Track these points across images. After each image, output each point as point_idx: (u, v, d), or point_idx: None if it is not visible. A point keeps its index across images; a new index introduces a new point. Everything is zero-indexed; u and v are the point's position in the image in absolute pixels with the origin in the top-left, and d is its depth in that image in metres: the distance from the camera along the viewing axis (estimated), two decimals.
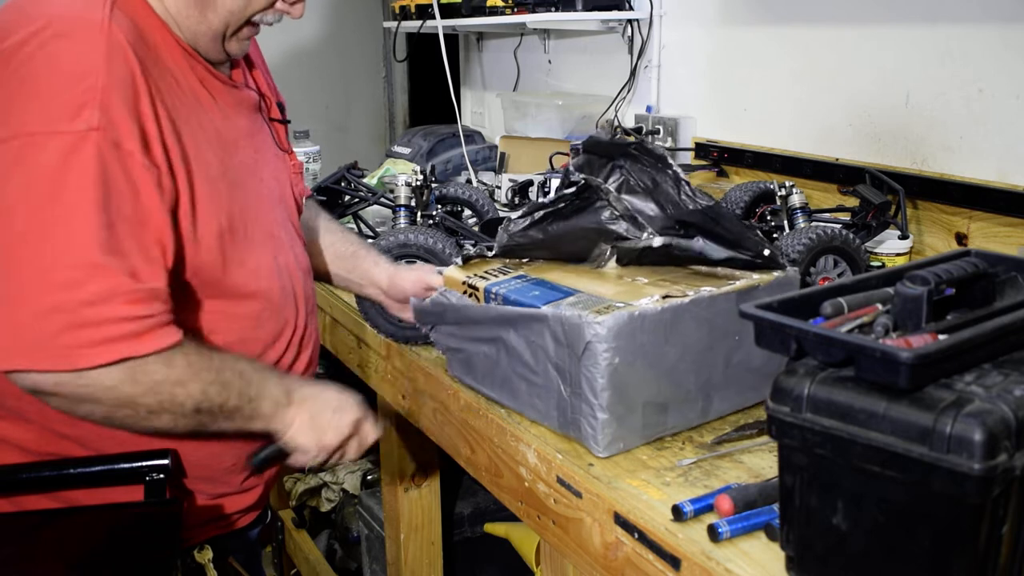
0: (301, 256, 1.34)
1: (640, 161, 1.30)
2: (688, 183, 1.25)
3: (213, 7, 1.11)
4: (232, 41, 1.17)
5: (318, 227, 1.52)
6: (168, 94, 1.09)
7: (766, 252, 1.21)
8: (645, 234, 1.32)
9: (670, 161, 1.25)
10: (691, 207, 1.24)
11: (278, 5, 1.16)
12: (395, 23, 3.00)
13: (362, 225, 1.96)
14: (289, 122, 1.39)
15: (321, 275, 1.51)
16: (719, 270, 1.25)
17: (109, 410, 1.04)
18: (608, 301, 1.13)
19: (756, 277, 1.20)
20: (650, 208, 1.31)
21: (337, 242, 1.51)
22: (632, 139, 1.30)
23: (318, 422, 1.17)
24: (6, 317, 0.97)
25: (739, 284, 1.18)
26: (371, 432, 1.24)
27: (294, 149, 1.43)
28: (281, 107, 1.38)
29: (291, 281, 1.28)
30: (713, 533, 0.92)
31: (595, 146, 1.30)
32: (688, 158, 2.36)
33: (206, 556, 1.23)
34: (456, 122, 2.77)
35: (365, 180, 2.05)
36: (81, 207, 0.97)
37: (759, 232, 1.22)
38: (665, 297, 1.12)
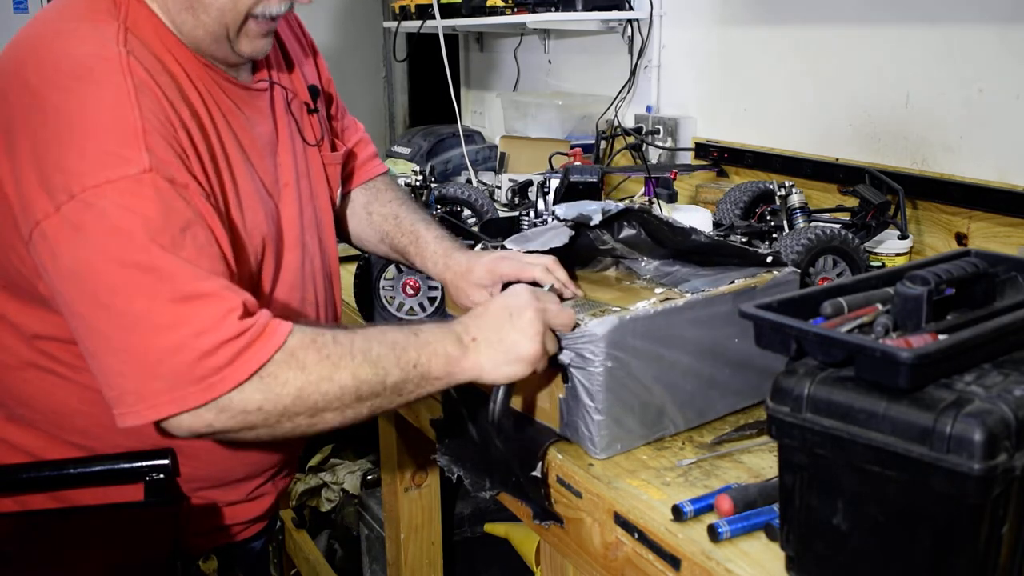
0: (329, 257, 1.32)
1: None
2: (682, 228, 1.25)
3: (203, 7, 1.08)
4: (242, 41, 1.13)
5: (375, 214, 1.45)
6: (197, 117, 1.08)
7: (769, 260, 1.22)
8: (643, 262, 1.32)
9: (655, 214, 1.25)
10: (687, 245, 1.25)
11: None
12: (395, 23, 3.00)
13: None
14: (317, 111, 1.33)
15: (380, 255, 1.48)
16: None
17: (271, 430, 1.00)
18: (604, 305, 1.13)
19: (753, 278, 1.20)
20: (645, 240, 1.31)
21: (392, 231, 1.42)
22: (620, 206, 1.29)
23: (505, 344, 1.05)
24: (133, 371, 0.96)
25: (736, 285, 1.18)
26: (559, 314, 1.09)
27: None
28: (315, 92, 1.32)
29: (314, 290, 1.26)
30: (713, 533, 0.92)
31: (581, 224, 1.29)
32: (688, 158, 2.36)
33: (211, 566, 1.22)
34: (456, 122, 2.77)
35: None
36: (158, 245, 0.96)
37: (757, 252, 1.23)
38: (663, 300, 1.12)
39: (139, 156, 0.97)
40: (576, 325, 1.09)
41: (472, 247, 1.42)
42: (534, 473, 1.09)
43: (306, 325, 1.03)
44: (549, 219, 1.65)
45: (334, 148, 1.38)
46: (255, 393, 0.97)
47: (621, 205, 1.29)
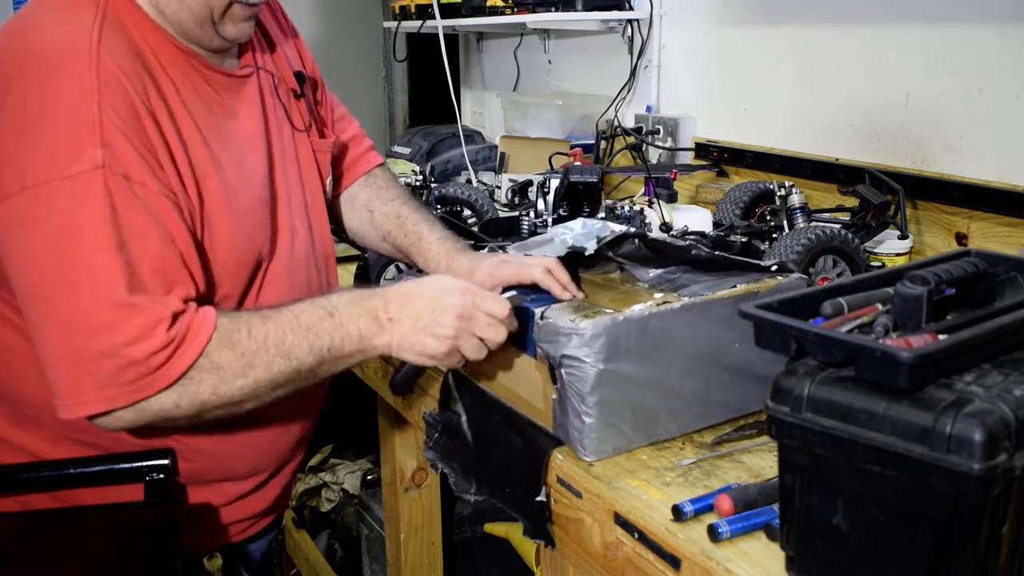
0: (323, 241, 1.31)
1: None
2: (681, 245, 1.24)
3: None
4: (226, 24, 1.12)
5: (377, 212, 1.44)
6: (170, 107, 1.08)
7: (773, 268, 1.22)
8: (640, 272, 1.31)
9: (650, 236, 1.24)
10: (687, 259, 1.24)
11: None
12: (395, 23, 3.00)
13: None
14: (304, 95, 1.32)
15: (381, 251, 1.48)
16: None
17: (191, 421, 1.05)
18: (599, 307, 1.13)
19: (756, 283, 1.19)
20: (646, 253, 1.30)
21: (394, 231, 1.42)
22: (617, 231, 1.27)
23: (416, 335, 1.08)
24: (67, 366, 0.98)
25: (737, 289, 1.16)
26: (487, 327, 1.09)
27: None
28: (301, 78, 1.32)
29: (306, 273, 1.26)
30: (713, 533, 0.92)
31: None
32: (688, 158, 2.36)
33: (215, 564, 1.23)
34: (456, 122, 2.77)
35: None
36: (101, 249, 0.97)
37: (759, 264, 1.23)
38: (660, 303, 1.12)
39: (93, 152, 0.97)
40: (512, 333, 1.11)
41: (475, 247, 1.42)
42: (539, 498, 1.10)
43: (226, 315, 1.04)
44: (548, 219, 1.66)
45: (323, 136, 1.37)
46: (171, 395, 1.00)
47: (618, 230, 1.27)
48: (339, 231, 1.48)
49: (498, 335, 1.10)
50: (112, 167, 0.98)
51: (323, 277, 1.31)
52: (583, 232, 1.26)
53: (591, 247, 1.22)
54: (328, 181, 1.37)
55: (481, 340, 1.10)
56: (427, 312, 1.08)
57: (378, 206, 1.45)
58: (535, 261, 1.23)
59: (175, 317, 1.00)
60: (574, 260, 1.26)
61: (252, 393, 1.04)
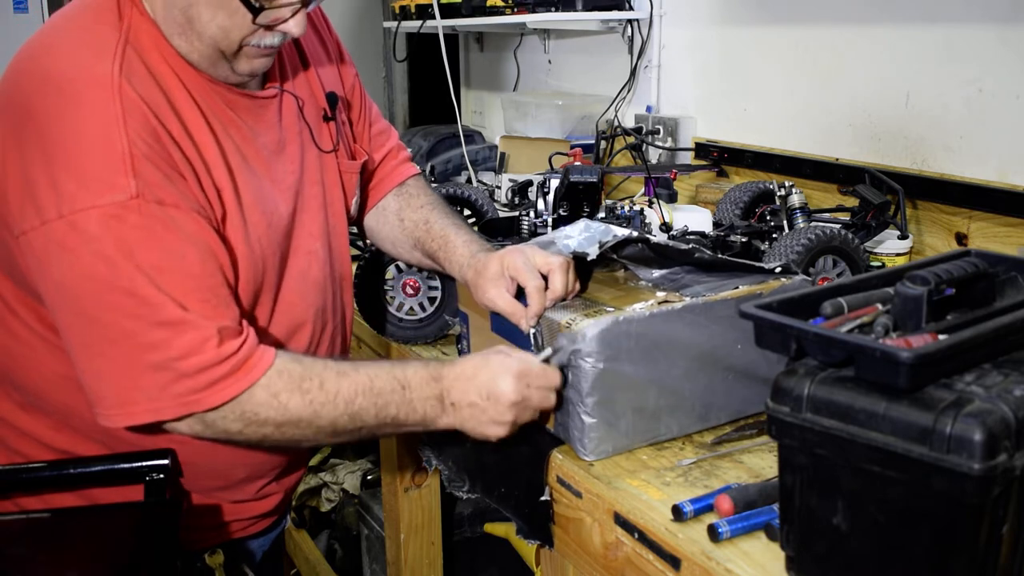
0: (340, 263, 1.32)
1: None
2: (684, 248, 1.24)
3: (197, 35, 1.08)
4: (240, 62, 1.12)
5: (407, 220, 1.43)
6: (188, 129, 1.08)
7: (777, 271, 1.22)
8: (644, 272, 1.31)
9: (653, 241, 1.24)
10: (690, 262, 1.24)
11: (275, 28, 1.10)
12: (395, 23, 3.00)
13: None
14: (333, 118, 1.31)
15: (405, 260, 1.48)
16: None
17: (251, 445, 1.12)
18: (600, 305, 1.13)
19: (759, 284, 1.18)
20: (649, 255, 1.30)
21: (423, 237, 1.41)
22: (619, 236, 1.25)
23: (476, 419, 1.11)
24: (115, 379, 1.02)
25: (740, 291, 1.16)
26: (543, 400, 1.11)
27: None
28: (333, 99, 1.31)
29: (322, 296, 1.27)
30: (713, 533, 0.92)
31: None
32: (688, 158, 2.36)
33: (217, 560, 1.23)
34: (456, 122, 2.77)
35: None
36: (141, 272, 0.99)
37: (763, 267, 1.23)
38: (661, 303, 1.12)
39: (126, 182, 0.99)
40: (559, 398, 1.12)
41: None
42: (543, 498, 1.11)
43: (294, 360, 1.08)
44: (548, 219, 1.66)
45: (353, 156, 1.37)
46: (236, 423, 1.05)
47: (621, 234, 1.26)
48: (376, 243, 1.48)
49: (550, 402, 1.12)
50: (146, 195, 1.00)
51: (338, 300, 1.31)
52: (586, 236, 1.26)
53: (593, 252, 1.22)
54: (354, 201, 1.37)
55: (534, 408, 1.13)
56: (482, 399, 1.10)
57: (408, 214, 1.43)
58: (545, 259, 1.20)
59: (223, 333, 1.03)
60: (584, 262, 1.26)
61: (313, 439, 1.10)
